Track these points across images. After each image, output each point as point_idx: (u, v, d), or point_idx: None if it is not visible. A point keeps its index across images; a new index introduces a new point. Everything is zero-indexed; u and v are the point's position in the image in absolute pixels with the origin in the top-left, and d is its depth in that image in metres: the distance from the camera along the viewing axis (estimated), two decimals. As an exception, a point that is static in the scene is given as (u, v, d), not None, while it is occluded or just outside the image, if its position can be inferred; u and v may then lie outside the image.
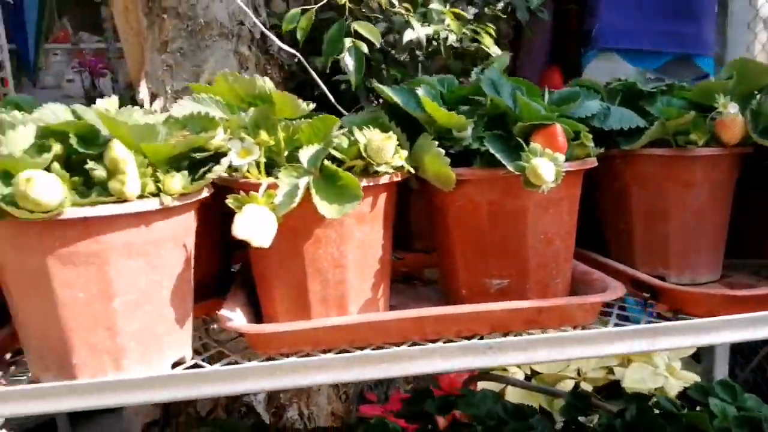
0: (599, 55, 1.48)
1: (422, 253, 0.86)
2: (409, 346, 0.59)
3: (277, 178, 0.57)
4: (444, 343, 0.59)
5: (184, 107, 0.62)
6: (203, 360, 0.59)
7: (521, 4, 1.42)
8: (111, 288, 0.51)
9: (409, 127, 0.65)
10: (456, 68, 1.69)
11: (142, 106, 1.28)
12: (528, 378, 1.56)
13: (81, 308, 0.51)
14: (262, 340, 0.58)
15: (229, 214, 0.77)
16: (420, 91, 0.61)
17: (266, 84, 0.55)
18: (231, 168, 0.57)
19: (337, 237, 0.59)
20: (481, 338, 0.59)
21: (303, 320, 0.60)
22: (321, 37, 1.25)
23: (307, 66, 1.19)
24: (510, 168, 0.58)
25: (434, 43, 1.51)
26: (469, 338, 0.61)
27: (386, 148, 0.55)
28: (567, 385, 1.52)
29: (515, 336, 0.59)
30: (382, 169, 0.57)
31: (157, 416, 2.13)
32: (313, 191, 0.54)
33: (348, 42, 1.14)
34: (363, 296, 0.62)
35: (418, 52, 1.50)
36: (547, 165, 0.56)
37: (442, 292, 0.71)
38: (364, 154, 0.55)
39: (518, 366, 1.57)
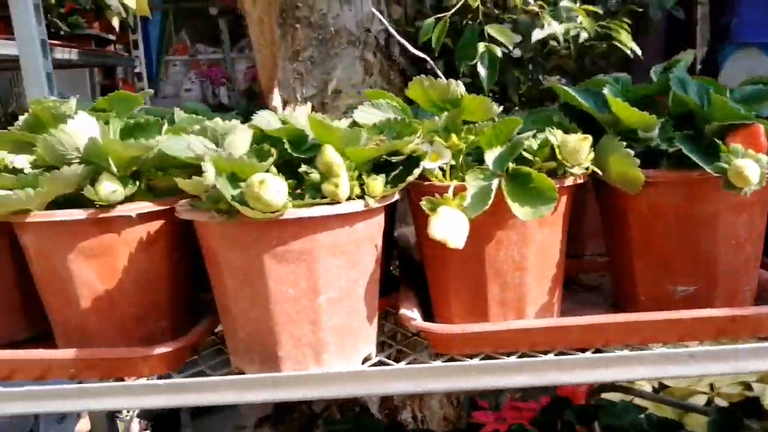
0: (737, 50, 1.40)
1: (573, 258, 0.85)
2: (593, 353, 0.58)
3: (462, 180, 0.58)
4: (630, 351, 0.58)
5: (364, 113, 0.64)
6: (385, 357, 0.61)
7: (653, 1, 1.37)
8: (318, 285, 0.54)
9: (583, 128, 0.64)
10: (570, 68, 1.65)
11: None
12: (656, 391, 1.49)
13: (290, 303, 0.54)
14: (446, 340, 0.59)
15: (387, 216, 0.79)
16: (606, 91, 0.60)
17: (459, 88, 0.56)
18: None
19: (519, 239, 0.59)
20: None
21: (479, 322, 0.61)
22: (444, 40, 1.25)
23: (438, 71, 1.20)
24: (708, 170, 0.56)
25: (552, 42, 1.48)
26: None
27: (582, 150, 0.55)
28: (699, 400, 1.44)
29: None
30: (575, 170, 0.56)
31: (269, 412, 2.22)
32: (505, 193, 0.54)
33: (482, 47, 1.15)
34: (541, 300, 0.62)
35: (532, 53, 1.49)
36: (752, 166, 0.53)
37: (613, 298, 0.70)
38: (559, 156, 0.55)
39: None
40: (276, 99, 1.42)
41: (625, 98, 0.65)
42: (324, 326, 0.55)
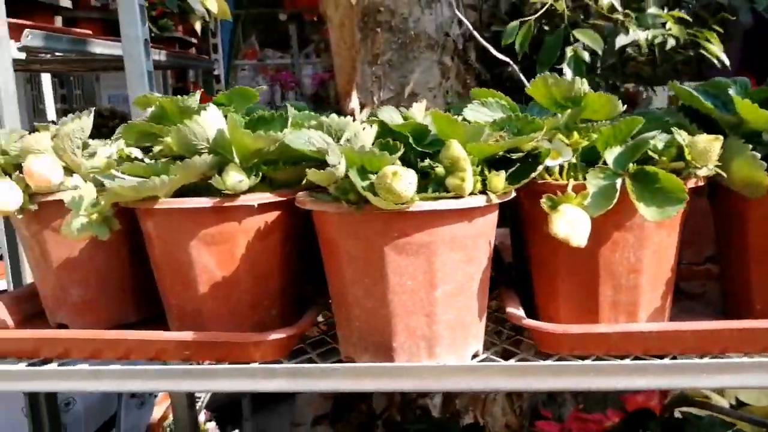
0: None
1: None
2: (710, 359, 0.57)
3: (575, 179, 0.58)
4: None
5: (474, 111, 0.65)
6: (491, 354, 0.61)
7: (743, 4, 1.33)
8: (435, 278, 0.54)
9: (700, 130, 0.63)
10: (647, 74, 1.62)
11: (352, 116, 1.37)
12: (732, 408, 1.43)
13: (408, 295, 0.55)
14: (557, 340, 0.59)
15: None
16: (732, 92, 0.59)
17: (583, 86, 0.56)
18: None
19: (636, 241, 0.58)
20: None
21: (590, 324, 0.60)
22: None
23: (520, 74, 1.20)
24: (843, 174, 0.54)
25: (628, 50, 1.46)
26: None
27: (713, 150, 0.54)
28: (781, 422, 1.37)
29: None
30: (702, 172, 0.55)
31: (327, 410, 2.24)
32: (631, 193, 0.54)
33: (569, 50, 1.14)
34: (654, 304, 0.61)
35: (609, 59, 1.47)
36: None
37: (722, 306, 0.68)
38: (687, 156, 0.54)
39: (721, 394, 1.45)
40: (354, 102, 1.45)
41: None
42: (439, 319, 0.56)
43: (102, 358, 0.65)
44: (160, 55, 1.44)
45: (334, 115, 0.63)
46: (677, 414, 1.36)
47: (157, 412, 1.57)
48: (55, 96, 2.24)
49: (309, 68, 2.83)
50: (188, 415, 1.17)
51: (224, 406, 2.09)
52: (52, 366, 0.64)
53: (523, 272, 0.71)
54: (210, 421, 1.86)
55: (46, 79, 2.35)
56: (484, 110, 0.65)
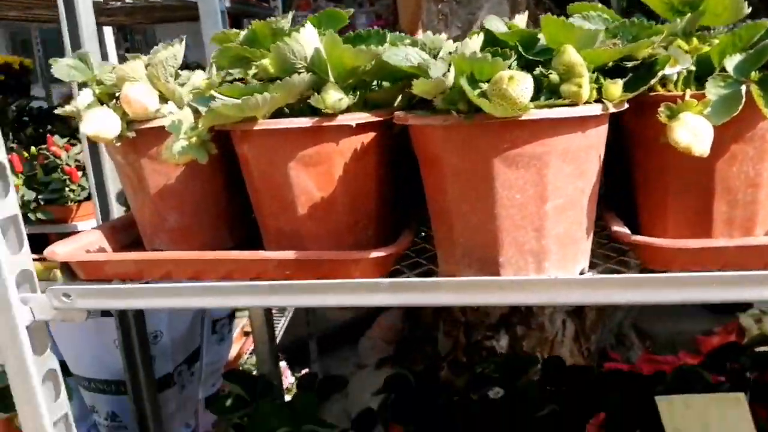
0: None
1: None
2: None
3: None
4: None
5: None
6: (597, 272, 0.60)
7: None
8: (546, 191, 0.53)
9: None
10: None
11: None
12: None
13: (516, 209, 0.54)
14: (670, 256, 0.56)
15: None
16: None
17: (705, -15, 0.52)
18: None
19: (755, 154, 0.55)
20: None
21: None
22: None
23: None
24: None
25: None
26: None
27: None
28: None
29: None
30: (838, 74, 0.51)
31: (390, 353, 2.28)
32: (758, 98, 0.51)
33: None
34: (771, 220, 0.58)
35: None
36: None
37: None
38: (824, 56, 0.51)
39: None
40: (420, 39, 1.41)
41: None
42: (548, 234, 0.54)
43: (203, 279, 0.67)
44: (225, 1, 1.44)
45: (428, 33, 0.62)
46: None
47: (234, 350, 1.63)
48: (119, 51, 2.28)
49: (363, 17, 2.78)
50: (269, 348, 1.22)
51: (292, 348, 2.17)
52: (163, 284, 0.66)
53: (616, 197, 0.69)
54: (280, 361, 1.93)
55: (108, 33, 2.40)
56: (587, 24, 0.62)
